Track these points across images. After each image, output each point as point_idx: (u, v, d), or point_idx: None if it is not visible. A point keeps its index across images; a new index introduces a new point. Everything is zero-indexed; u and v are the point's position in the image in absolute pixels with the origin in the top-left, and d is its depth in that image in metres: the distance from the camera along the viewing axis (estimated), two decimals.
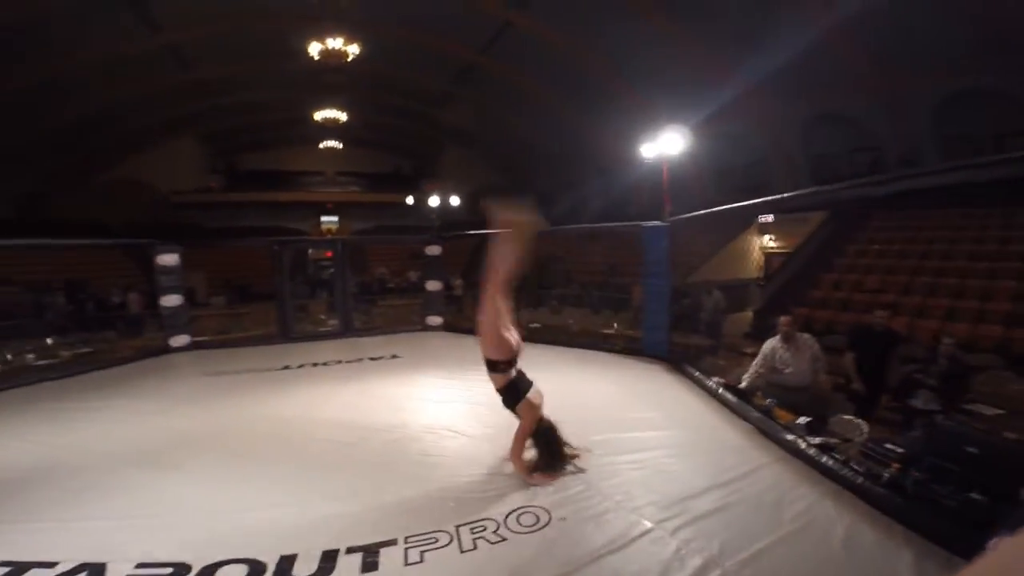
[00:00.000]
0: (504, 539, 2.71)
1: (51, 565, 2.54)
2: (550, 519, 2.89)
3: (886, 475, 3.03)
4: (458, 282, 10.74)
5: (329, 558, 2.48)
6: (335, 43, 11.54)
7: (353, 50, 11.70)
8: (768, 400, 4.66)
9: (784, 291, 11.30)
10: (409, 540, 2.66)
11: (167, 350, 8.12)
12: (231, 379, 6.45)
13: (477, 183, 20.09)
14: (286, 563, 2.44)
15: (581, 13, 11.51)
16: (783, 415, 4.28)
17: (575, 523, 2.85)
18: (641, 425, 4.31)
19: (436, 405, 5.12)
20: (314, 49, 11.57)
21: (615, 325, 9.09)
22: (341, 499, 3.16)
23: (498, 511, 2.96)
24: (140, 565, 2.47)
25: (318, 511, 3.01)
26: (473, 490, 3.25)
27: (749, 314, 10.86)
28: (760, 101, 11.97)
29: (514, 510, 2.98)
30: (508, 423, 4.05)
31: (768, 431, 4.05)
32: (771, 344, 5.34)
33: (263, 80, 15.20)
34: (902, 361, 5.87)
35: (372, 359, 7.40)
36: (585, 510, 2.98)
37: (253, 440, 4.26)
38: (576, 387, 5.55)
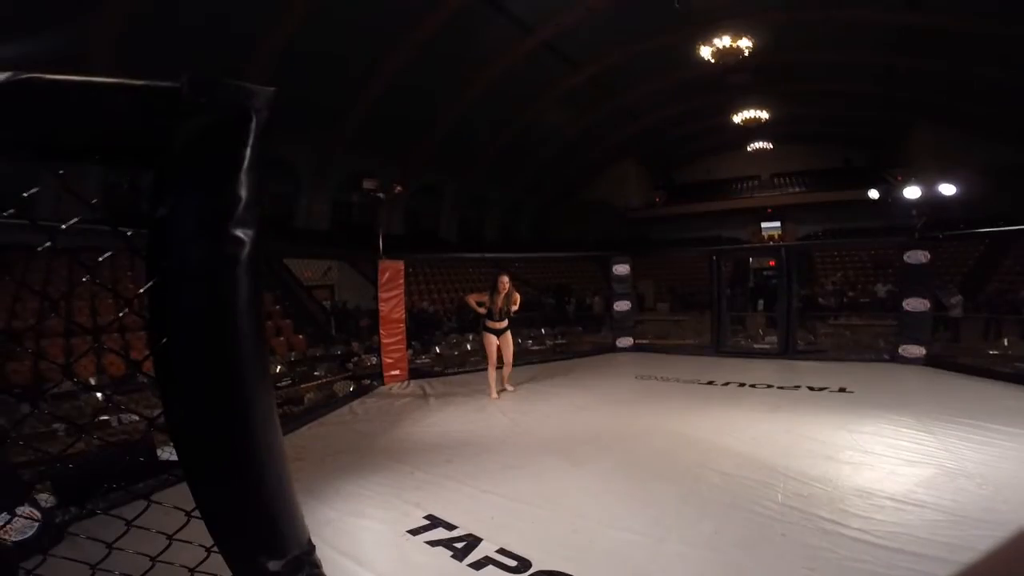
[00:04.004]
0: None
1: (451, 527, 3.03)
2: None
3: None
4: (954, 299, 7.71)
5: None
6: (722, 42, 11.23)
7: (745, 44, 11.11)
8: None
9: None
10: None
11: (614, 349, 9.38)
12: (656, 386, 6.79)
13: (979, 164, 14.54)
14: None
15: None
16: None
17: None
18: None
19: (888, 462, 3.79)
20: (705, 52, 11.53)
21: None
22: (698, 548, 2.76)
23: None
24: (500, 551, 2.75)
25: (666, 554, 2.71)
26: None
27: None
28: None
29: None
30: (993, 515, 2.89)
31: None
32: None
33: (673, 94, 15.74)
34: None
35: (811, 389, 6.29)
36: None
37: (651, 455, 4.26)
38: None
